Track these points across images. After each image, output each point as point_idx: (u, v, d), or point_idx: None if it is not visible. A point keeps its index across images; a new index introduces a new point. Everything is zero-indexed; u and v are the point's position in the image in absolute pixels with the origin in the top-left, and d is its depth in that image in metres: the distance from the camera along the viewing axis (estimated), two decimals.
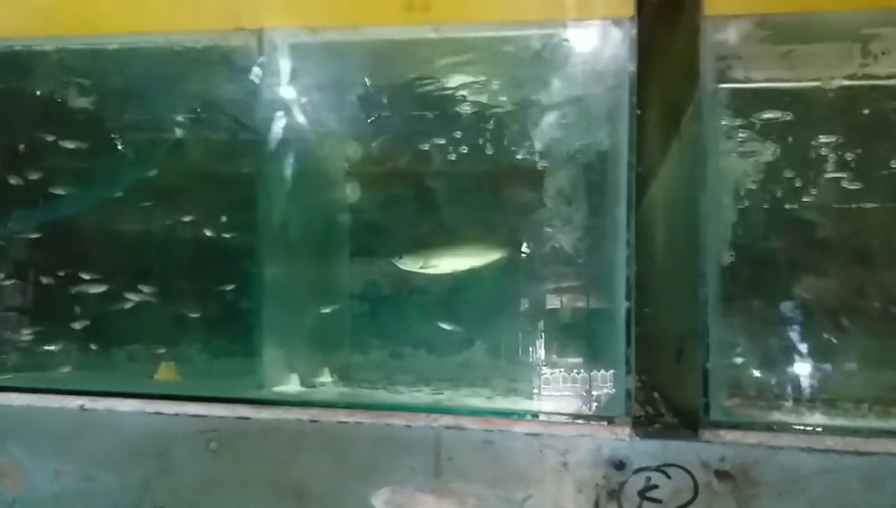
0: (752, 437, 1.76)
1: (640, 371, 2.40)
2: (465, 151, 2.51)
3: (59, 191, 2.62)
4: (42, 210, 2.68)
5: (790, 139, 2.21)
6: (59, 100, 2.56)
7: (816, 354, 2.20)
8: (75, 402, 2.08)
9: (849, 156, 2.20)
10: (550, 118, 2.32)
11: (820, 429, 1.84)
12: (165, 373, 2.51)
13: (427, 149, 2.57)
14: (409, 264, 2.54)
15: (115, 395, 2.09)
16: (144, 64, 2.42)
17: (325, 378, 2.53)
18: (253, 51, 2.25)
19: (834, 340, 2.21)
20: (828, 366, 2.20)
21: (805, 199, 2.28)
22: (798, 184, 2.27)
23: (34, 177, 2.56)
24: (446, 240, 2.64)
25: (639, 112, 2.50)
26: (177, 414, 2.01)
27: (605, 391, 2.06)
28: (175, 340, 2.59)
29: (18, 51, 2.45)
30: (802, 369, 2.20)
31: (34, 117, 2.62)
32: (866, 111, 2.15)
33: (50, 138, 2.54)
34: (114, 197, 2.57)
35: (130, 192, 2.60)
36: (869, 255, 2.28)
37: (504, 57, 2.23)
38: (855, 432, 1.78)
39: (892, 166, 2.21)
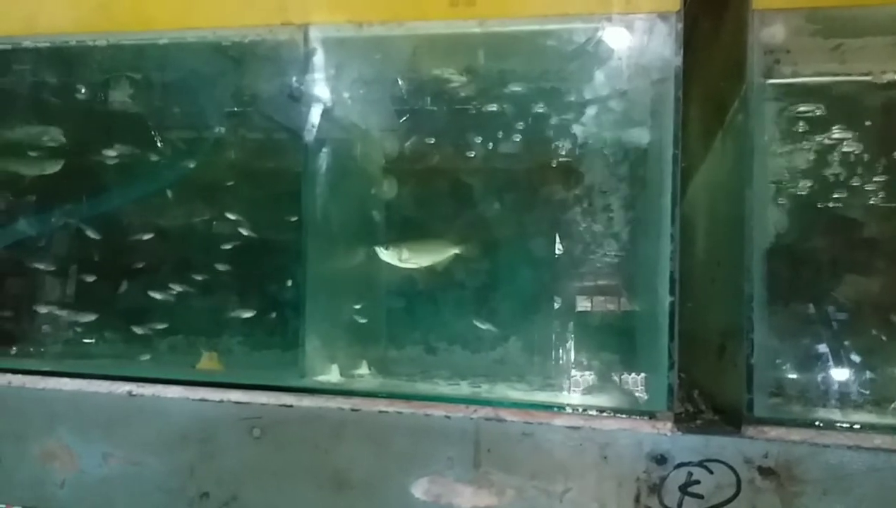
0: (796, 434, 1.74)
1: (680, 368, 2.39)
2: (507, 146, 2.51)
3: (107, 185, 2.68)
4: (90, 204, 2.74)
5: (838, 135, 2.18)
6: (109, 95, 2.61)
7: (863, 352, 2.16)
8: (123, 388, 2.13)
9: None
10: (594, 112, 2.31)
11: (868, 427, 1.81)
12: (208, 363, 2.55)
13: (467, 144, 2.58)
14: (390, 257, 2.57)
15: (162, 382, 2.13)
16: (192, 59, 2.46)
17: (364, 370, 2.56)
18: (299, 45, 2.28)
19: (883, 338, 2.17)
20: (875, 365, 2.16)
21: (852, 197, 2.24)
22: (845, 181, 2.23)
23: (83, 170, 2.62)
24: (485, 235, 2.64)
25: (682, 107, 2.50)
26: (221, 401, 2.05)
27: (648, 386, 2.05)
28: (218, 331, 2.64)
29: (73, 46, 2.51)
30: (848, 367, 2.16)
31: (84, 112, 2.68)
32: None
33: (98, 133, 2.61)
34: (162, 191, 2.62)
35: (177, 187, 2.65)
36: None
37: (548, 51, 2.22)
38: None
39: None
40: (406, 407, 1.95)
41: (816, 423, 1.82)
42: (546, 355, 2.58)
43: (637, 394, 2.06)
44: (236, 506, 2.02)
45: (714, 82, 2.28)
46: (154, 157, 2.66)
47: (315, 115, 2.35)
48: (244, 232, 2.59)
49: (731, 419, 1.89)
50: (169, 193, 2.66)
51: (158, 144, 2.64)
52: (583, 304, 2.43)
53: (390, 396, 2.02)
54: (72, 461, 2.10)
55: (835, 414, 2.01)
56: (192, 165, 2.65)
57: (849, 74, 2.10)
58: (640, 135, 2.15)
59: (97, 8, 2.40)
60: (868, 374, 2.15)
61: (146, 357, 2.64)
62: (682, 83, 1.96)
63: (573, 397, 2.24)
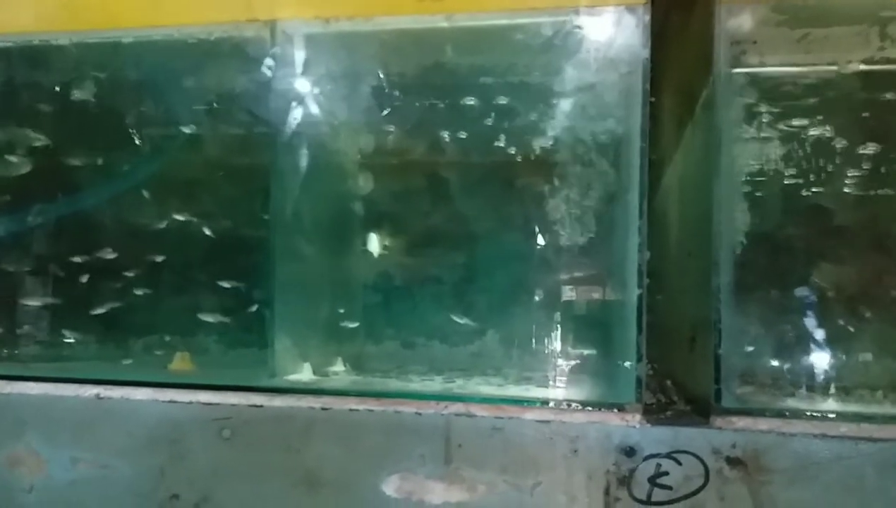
0: (763, 424, 1.75)
1: (654, 359, 2.39)
2: (475, 140, 2.50)
3: (74, 185, 2.65)
4: (57, 203, 2.71)
5: (805, 124, 2.19)
6: (74, 93, 2.58)
7: (831, 342, 2.18)
8: (91, 391, 2.10)
9: (864, 141, 2.17)
10: (562, 105, 2.31)
11: (833, 416, 1.82)
12: (180, 364, 2.53)
13: (437, 138, 2.57)
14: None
15: (130, 384, 2.11)
16: (158, 56, 2.44)
17: (338, 367, 2.54)
18: (266, 42, 2.26)
19: (850, 328, 2.18)
20: (842, 354, 2.17)
21: (819, 186, 2.25)
22: (812, 170, 2.24)
23: (49, 170, 2.59)
24: (458, 229, 2.64)
25: (653, 99, 2.50)
26: (190, 402, 2.03)
27: (617, 378, 2.05)
28: (189, 331, 2.61)
29: (36, 45, 2.48)
30: (816, 356, 2.17)
31: (49, 110, 2.64)
32: (886, 95, 2.12)
33: (64, 132, 2.57)
34: (128, 189, 2.59)
35: (143, 185, 2.62)
36: (885, 242, 2.25)
37: (516, 45, 2.22)
38: (869, 419, 1.76)
39: None
40: (377, 405, 1.95)
41: (784, 412, 1.83)
42: (517, 348, 2.59)
43: (605, 388, 2.06)
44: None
45: (684, 74, 2.29)
46: (119, 157, 2.63)
47: (283, 112, 2.34)
48: (207, 231, 2.57)
49: (700, 409, 1.89)
50: (139, 192, 2.62)
51: (124, 143, 2.60)
52: (554, 299, 2.43)
53: (361, 394, 2.01)
54: (39, 466, 2.08)
55: (803, 403, 2.02)
56: (156, 165, 2.62)
57: (815, 64, 2.11)
58: (610, 128, 2.14)
59: (61, 7, 2.38)
60: (835, 362, 2.17)
61: (114, 359, 2.62)
62: (649, 75, 1.96)
63: (544, 390, 2.23)
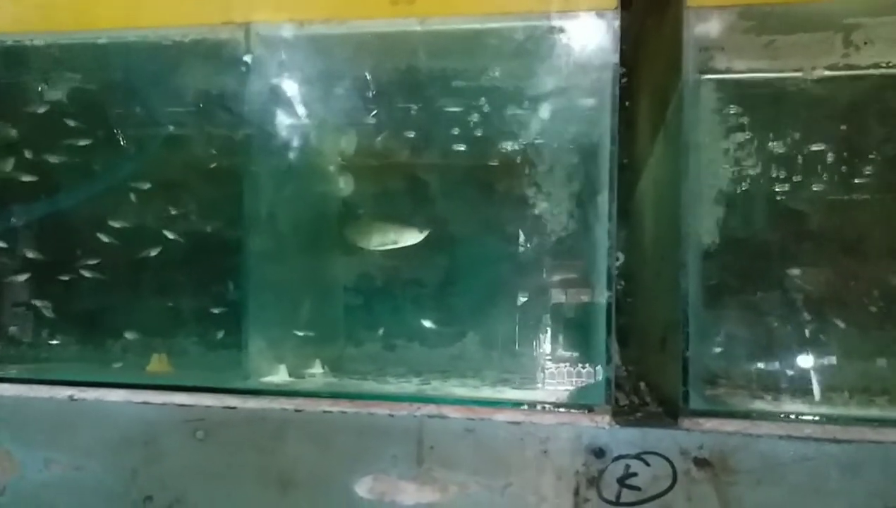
0: (730, 425, 1.77)
1: (628, 361, 2.42)
2: (447, 143, 2.52)
3: (49, 185, 2.64)
4: (33, 204, 2.70)
5: (772, 129, 2.22)
6: (49, 94, 2.57)
7: (797, 343, 2.21)
8: (65, 392, 2.10)
9: (829, 146, 2.20)
10: (534, 110, 2.33)
11: (801, 417, 1.84)
12: (157, 365, 2.53)
13: (410, 141, 2.58)
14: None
15: (104, 385, 2.11)
16: (133, 58, 2.44)
17: (317, 369, 2.55)
18: (240, 44, 2.27)
19: (816, 330, 2.21)
20: (809, 355, 2.20)
21: (786, 190, 2.28)
22: (780, 175, 2.27)
23: (24, 171, 2.58)
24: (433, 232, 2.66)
25: (627, 103, 2.53)
26: (164, 404, 2.03)
27: (589, 380, 2.07)
28: (165, 332, 2.62)
29: (10, 46, 2.47)
30: (783, 358, 2.20)
31: (26, 111, 2.64)
32: (848, 101, 2.16)
33: (41, 133, 2.57)
34: (103, 190, 2.58)
35: (117, 186, 2.61)
36: (850, 245, 2.28)
37: (487, 49, 2.23)
38: (834, 420, 1.79)
39: (872, 157, 2.21)
40: (350, 407, 1.96)
41: (752, 414, 1.85)
42: (490, 350, 2.60)
43: (578, 390, 2.08)
44: None
45: (656, 79, 2.31)
46: (92, 159, 2.63)
47: (257, 114, 2.34)
48: (180, 232, 2.57)
49: (670, 411, 1.91)
50: (112, 193, 2.62)
51: (97, 145, 2.59)
52: (529, 301, 2.45)
53: (334, 396, 2.02)
54: (12, 467, 2.08)
55: (771, 405, 2.05)
56: (131, 166, 2.62)
57: (781, 71, 2.14)
58: (581, 132, 2.16)
59: (36, 7, 2.37)
60: (802, 363, 2.20)
61: (88, 361, 2.61)
62: (620, 80, 1.98)
63: (520, 392, 2.25)
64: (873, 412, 2.00)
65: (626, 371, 2.40)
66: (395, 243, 2.63)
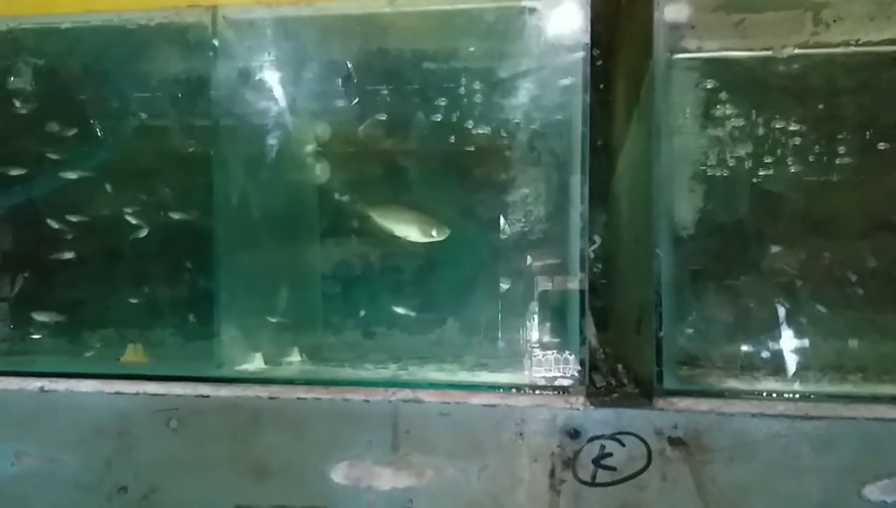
0: (704, 404, 1.78)
1: (605, 342, 2.42)
2: (419, 125, 2.49)
3: (13, 174, 2.59)
4: None
5: (743, 110, 2.22)
6: (10, 80, 2.52)
7: (771, 323, 2.22)
8: (35, 384, 2.07)
9: (801, 126, 2.20)
10: (506, 91, 2.31)
11: (773, 395, 1.85)
12: (133, 356, 2.50)
13: (381, 123, 2.55)
14: None
15: (76, 376, 2.09)
16: (98, 43, 2.39)
17: (294, 357, 2.53)
18: (207, 28, 2.23)
19: (789, 309, 2.22)
20: (782, 334, 2.21)
21: (758, 171, 2.28)
22: (750, 156, 2.27)
23: None
24: None
25: (602, 85, 2.51)
26: (137, 394, 2.01)
27: (565, 362, 2.06)
28: (137, 323, 2.59)
29: None
30: (757, 337, 2.21)
31: None
32: (818, 80, 2.16)
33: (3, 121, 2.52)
34: (70, 179, 2.53)
35: (87, 174, 2.57)
36: (821, 226, 2.29)
37: (458, 30, 2.21)
38: (806, 397, 1.80)
39: (841, 137, 2.21)
40: (325, 393, 1.95)
41: (725, 393, 1.86)
42: (466, 334, 2.60)
43: (555, 370, 2.08)
44: (155, 499, 2.00)
45: (630, 60, 2.30)
46: (57, 147, 2.58)
47: (224, 99, 2.30)
48: (149, 220, 2.53)
49: (645, 391, 1.92)
50: (78, 181, 2.57)
51: (62, 132, 2.54)
52: (506, 285, 2.44)
53: (309, 383, 2.00)
54: None
55: (744, 384, 2.06)
56: (98, 153, 2.57)
57: (751, 49, 2.14)
58: (553, 114, 2.15)
59: None
60: (775, 343, 2.21)
61: (59, 352, 2.58)
62: (590, 61, 1.97)
63: (492, 375, 2.24)
64: (846, 388, 2.01)
65: (603, 353, 2.40)
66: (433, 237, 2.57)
